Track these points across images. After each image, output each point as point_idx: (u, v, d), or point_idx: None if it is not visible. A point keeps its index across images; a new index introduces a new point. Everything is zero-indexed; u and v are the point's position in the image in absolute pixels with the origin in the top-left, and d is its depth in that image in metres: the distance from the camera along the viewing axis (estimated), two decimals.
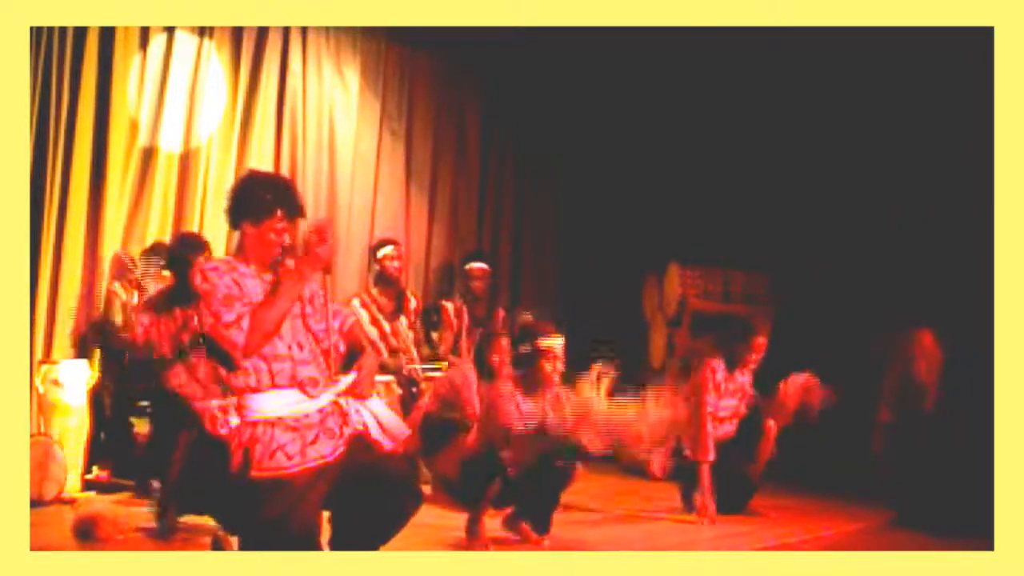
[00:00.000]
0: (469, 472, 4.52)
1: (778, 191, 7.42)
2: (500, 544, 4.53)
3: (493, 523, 4.63)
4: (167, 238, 6.29)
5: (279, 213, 3.36)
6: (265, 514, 3.11)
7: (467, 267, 7.26)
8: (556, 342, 4.56)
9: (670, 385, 5.82)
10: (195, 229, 6.44)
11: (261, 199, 3.37)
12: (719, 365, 5.56)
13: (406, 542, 4.19)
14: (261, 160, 6.78)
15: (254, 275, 3.33)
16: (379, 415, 3.41)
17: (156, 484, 4.97)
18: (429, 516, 5.17)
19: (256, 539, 3.17)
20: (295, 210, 3.42)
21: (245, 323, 3.20)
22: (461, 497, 4.66)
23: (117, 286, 5.92)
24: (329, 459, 3.20)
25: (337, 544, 3.30)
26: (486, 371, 5.54)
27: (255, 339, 3.21)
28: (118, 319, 5.83)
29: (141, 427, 5.64)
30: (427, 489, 5.97)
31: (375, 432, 3.34)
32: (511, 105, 7.90)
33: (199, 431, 3.49)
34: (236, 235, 3.44)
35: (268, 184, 3.46)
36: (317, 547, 3.20)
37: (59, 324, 5.88)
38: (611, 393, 4.56)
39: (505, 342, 5.58)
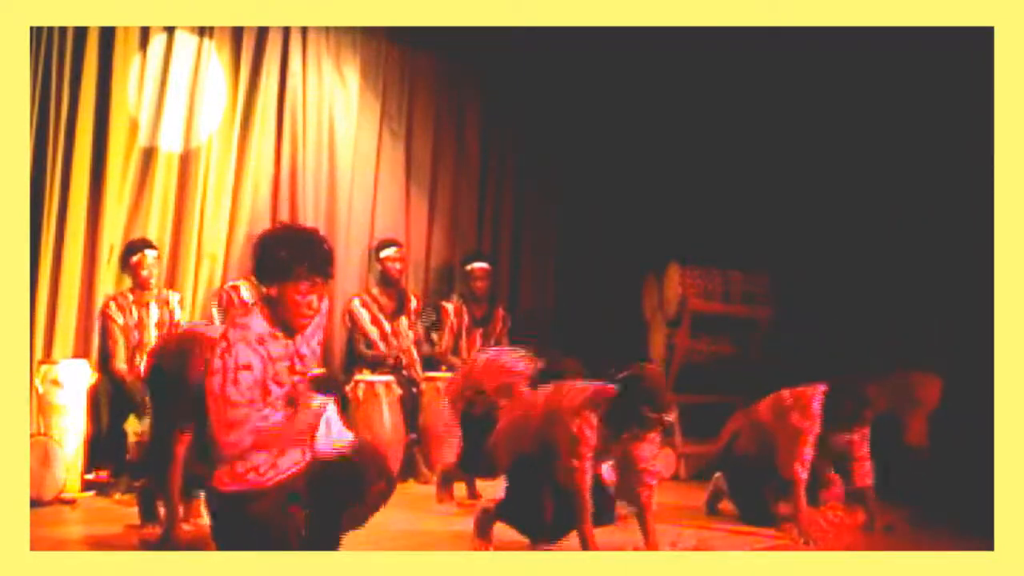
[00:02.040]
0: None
1: (778, 191, 7.42)
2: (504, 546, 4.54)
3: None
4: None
5: (301, 275, 3.23)
6: (246, 518, 3.15)
7: (469, 267, 7.26)
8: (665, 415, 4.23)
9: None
10: (195, 229, 6.44)
11: (279, 259, 3.24)
12: (808, 451, 5.05)
13: (406, 542, 4.21)
14: (261, 160, 6.77)
15: (282, 346, 3.27)
16: (330, 419, 3.44)
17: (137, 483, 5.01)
18: (430, 516, 5.20)
19: (238, 544, 3.20)
20: (320, 271, 3.27)
21: (247, 428, 3.16)
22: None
23: (113, 307, 5.93)
24: (302, 465, 3.27)
25: (312, 533, 3.32)
26: None
27: (248, 444, 3.21)
28: (118, 347, 5.86)
29: (133, 427, 5.67)
30: (428, 487, 6.04)
31: (322, 434, 3.39)
32: (511, 105, 7.90)
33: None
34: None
35: (287, 242, 3.29)
36: (297, 548, 3.22)
37: (59, 324, 5.88)
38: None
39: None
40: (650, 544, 4.32)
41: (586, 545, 4.17)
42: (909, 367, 6.30)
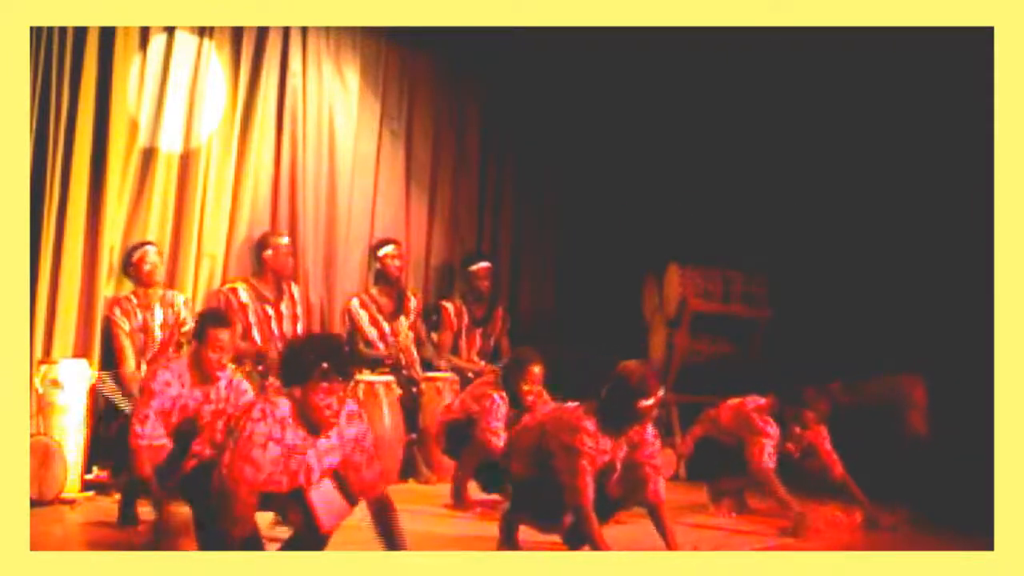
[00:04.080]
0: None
1: (778, 192, 7.42)
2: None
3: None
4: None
5: (325, 374, 3.55)
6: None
7: (473, 268, 7.26)
8: (658, 397, 4.29)
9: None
10: (195, 229, 6.43)
11: (304, 361, 3.59)
12: (769, 443, 5.34)
13: (408, 542, 4.19)
14: (261, 160, 6.77)
15: (303, 439, 3.59)
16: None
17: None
18: (430, 516, 5.20)
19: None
20: (339, 372, 3.59)
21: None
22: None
23: (118, 312, 5.93)
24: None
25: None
26: (515, 401, 5.47)
27: None
28: (126, 352, 5.86)
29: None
30: (427, 487, 6.04)
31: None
32: (511, 105, 7.90)
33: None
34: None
35: (310, 346, 3.71)
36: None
37: (59, 324, 5.87)
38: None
39: (538, 370, 5.51)
40: (670, 544, 4.28)
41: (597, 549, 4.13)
42: (893, 369, 6.33)
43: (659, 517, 4.35)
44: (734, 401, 5.65)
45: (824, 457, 5.47)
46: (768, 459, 5.29)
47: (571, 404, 4.44)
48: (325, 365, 3.54)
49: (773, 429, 5.34)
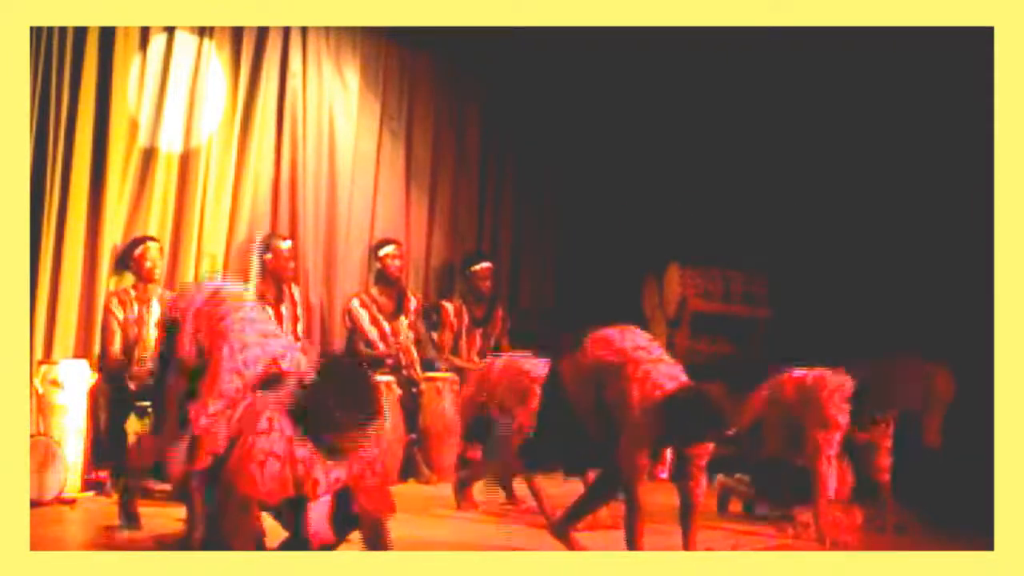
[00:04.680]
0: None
1: (778, 192, 7.42)
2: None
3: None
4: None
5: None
6: None
7: (476, 268, 7.25)
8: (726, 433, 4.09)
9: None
10: (195, 229, 6.43)
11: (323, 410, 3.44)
12: (836, 437, 4.95)
13: (407, 542, 4.20)
14: (261, 160, 6.77)
15: (311, 451, 3.50)
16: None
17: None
18: (431, 517, 5.20)
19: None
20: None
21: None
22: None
23: (115, 302, 5.93)
24: None
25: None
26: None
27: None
28: (115, 338, 5.86)
29: (133, 427, 5.66)
30: (427, 488, 6.03)
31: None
32: (511, 105, 7.90)
33: None
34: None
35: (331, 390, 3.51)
36: None
37: (59, 324, 5.87)
38: None
39: None
40: (687, 546, 4.20)
41: (633, 545, 4.10)
42: (914, 359, 6.26)
43: (688, 518, 4.24)
44: (799, 373, 5.28)
45: (879, 458, 5.19)
46: (827, 462, 4.92)
47: (653, 366, 4.21)
48: (339, 415, 3.39)
49: (844, 418, 4.94)
